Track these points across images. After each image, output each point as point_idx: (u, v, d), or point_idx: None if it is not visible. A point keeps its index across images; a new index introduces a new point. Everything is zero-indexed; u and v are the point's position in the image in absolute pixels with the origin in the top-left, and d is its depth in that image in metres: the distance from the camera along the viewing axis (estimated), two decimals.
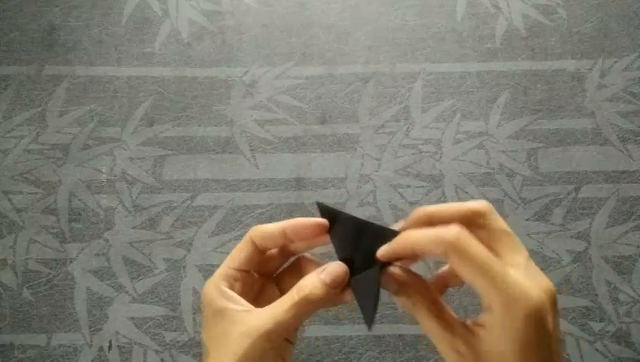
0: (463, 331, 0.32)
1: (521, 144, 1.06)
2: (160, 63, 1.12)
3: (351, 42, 1.14)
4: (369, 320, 0.32)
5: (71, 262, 0.98)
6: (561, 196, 1.02)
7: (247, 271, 0.36)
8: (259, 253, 0.36)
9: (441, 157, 1.05)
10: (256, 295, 0.37)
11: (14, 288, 0.96)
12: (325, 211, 0.36)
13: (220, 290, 0.35)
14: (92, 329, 0.94)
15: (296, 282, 0.35)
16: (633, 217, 1.00)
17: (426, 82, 1.10)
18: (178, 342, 0.93)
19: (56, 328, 0.94)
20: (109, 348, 0.93)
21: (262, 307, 0.35)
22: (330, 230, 0.35)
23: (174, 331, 0.94)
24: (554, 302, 0.29)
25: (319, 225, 0.35)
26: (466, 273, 0.29)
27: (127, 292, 0.96)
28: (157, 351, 0.93)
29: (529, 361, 0.28)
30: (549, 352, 0.28)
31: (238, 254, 0.36)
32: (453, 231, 0.29)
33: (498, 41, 1.14)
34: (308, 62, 1.12)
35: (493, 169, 1.04)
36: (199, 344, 0.93)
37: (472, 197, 1.02)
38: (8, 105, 1.08)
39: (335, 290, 0.34)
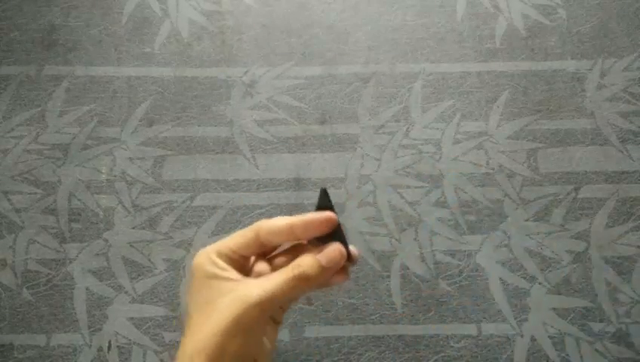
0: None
1: (520, 144, 1.06)
2: (160, 63, 1.12)
3: (351, 42, 1.14)
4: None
5: (70, 262, 0.98)
6: (561, 196, 1.02)
7: (243, 257, 0.37)
8: (260, 244, 0.36)
9: (440, 157, 1.05)
10: (247, 271, 0.37)
11: (14, 288, 0.96)
12: (323, 199, 0.36)
13: (211, 260, 0.35)
14: (91, 329, 0.94)
15: (290, 260, 0.36)
16: (633, 217, 1.00)
17: (426, 82, 1.10)
18: (178, 342, 0.93)
19: (56, 328, 0.94)
20: (109, 348, 0.93)
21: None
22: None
23: (174, 331, 0.94)
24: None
25: (328, 220, 0.35)
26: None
27: (126, 292, 0.96)
28: (156, 352, 0.93)
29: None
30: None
31: (239, 238, 0.36)
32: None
33: (498, 41, 1.14)
34: (308, 62, 1.12)
35: (493, 169, 1.04)
36: None
37: (472, 197, 1.02)
38: (8, 106, 1.08)
39: (330, 272, 0.34)
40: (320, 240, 0.36)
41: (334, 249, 0.35)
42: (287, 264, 0.36)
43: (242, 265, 0.37)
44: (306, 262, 0.34)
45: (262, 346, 0.34)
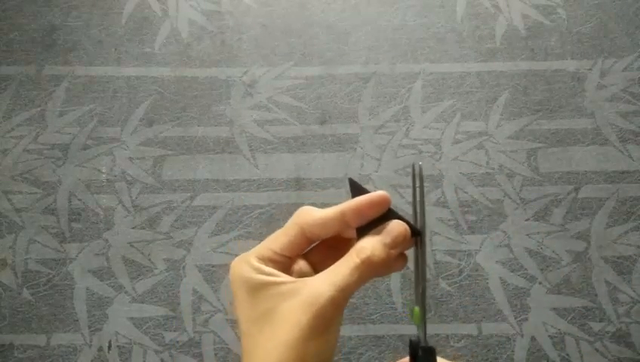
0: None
1: (520, 144, 1.06)
2: (160, 63, 1.12)
3: (351, 42, 1.14)
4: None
5: (71, 262, 0.98)
6: (561, 196, 1.02)
7: (288, 258, 0.32)
8: (306, 240, 0.32)
9: (440, 157, 1.05)
10: (290, 274, 0.33)
11: (14, 288, 0.96)
12: (355, 187, 0.33)
13: (254, 267, 0.31)
14: (92, 329, 0.94)
15: (331, 255, 0.32)
16: (633, 217, 1.00)
17: (425, 82, 1.10)
18: (178, 342, 0.93)
19: (56, 328, 0.94)
20: (109, 348, 0.93)
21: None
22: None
23: (174, 331, 0.94)
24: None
25: (383, 199, 0.32)
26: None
27: (126, 292, 0.96)
28: (157, 351, 0.93)
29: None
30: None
31: (282, 238, 0.32)
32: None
33: (498, 41, 1.14)
34: (308, 62, 1.12)
35: (493, 169, 1.04)
36: (199, 344, 0.93)
37: (472, 197, 1.02)
38: (8, 105, 1.08)
39: (396, 251, 0.31)
40: (361, 231, 0.32)
41: (397, 225, 0.31)
42: (327, 258, 0.33)
43: (286, 268, 0.32)
44: (369, 245, 0.30)
45: (335, 347, 0.31)
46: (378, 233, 0.31)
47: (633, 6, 1.15)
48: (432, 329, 0.94)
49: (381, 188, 1.04)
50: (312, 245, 0.34)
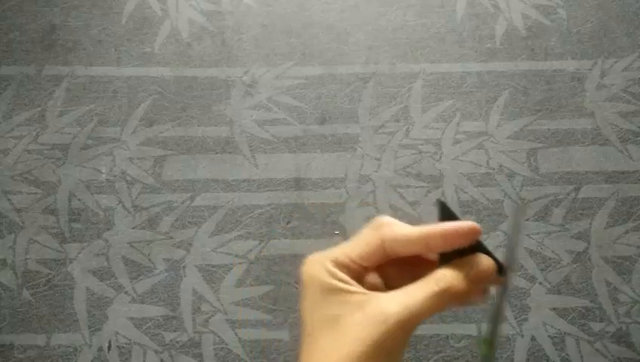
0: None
1: (520, 144, 1.06)
2: (160, 63, 1.12)
3: (351, 42, 1.14)
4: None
5: (71, 262, 0.98)
6: (561, 196, 1.02)
7: (364, 267, 0.31)
8: (384, 254, 0.31)
9: (440, 157, 1.05)
10: (362, 283, 0.32)
11: (14, 288, 0.96)
12: (445, 210, 0.31)
13: (328, 270, 0.30)
14: (92, 329, 0.94)
15: (407, 272, 0.31)
16: (633, 217, 1.00)
17: (426, 82, 1.10)
18: (178, 342, 0.93)
19: (56, 328, 0.94)
20: (109, 348, 0.93)
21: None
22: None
23: (174, 331, 0.94)
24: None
25: (472, 230, 0.30)
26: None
27: (126, 292, 0.96)
28: (156, 351, 0.93)
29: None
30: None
31: (363, 247, 0.31)
32: None
33: (498, 41, 1.14)
34: (308, 62, 1.12)
35: (493, 169, 1.04)
36: (199, 344, 0.93)
37: (472, 197, 1.02)
38: (8, 105, 1.08)
39: (477, 286, 0.30)
40: (445, 257, 0.31)
41: (484, 260, 0.30)
42: (402, 275, 0.31)
43: (360, 277, 0.31)
44: (451, 275, 0.29)
45: None
46: (462, 264, 0.30)
47: (633, 6, 1.15)
48: (432, 329, 0.94)
49: (381, 188, 1.05)
50: (388, 259, 0.33)
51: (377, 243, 0.30)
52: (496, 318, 0.31)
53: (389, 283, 0.32)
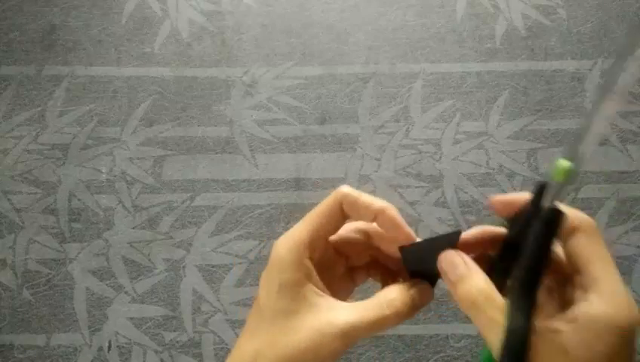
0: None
1: (520, 144, 1.06)
2: (160, 63, 1.12)
3: (351, 42, 1.14)
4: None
5: (70, 262, 0.98)
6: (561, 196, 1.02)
7: (325, 238, 0.34)
8: (343, 219, 0.34)
9: (440, 157, 1.05)
10: (327, 269, 0.34)
11: (14, 288, 0.96)
12: (408, 254, 0.34)
13: (300, 261, 0.32)
14: (91, 329, 0.94)
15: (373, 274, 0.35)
16: (633, 217, 1.00)
17: (426, 82, 1.10)
18: (178, 342, 0.93)
19: (56, 328, 0.94)
20: (109, 348, 0.93)
21: (324, 280, 0.32)
22: (402, 250, 0.34)
23: (174, 331, 0.94)
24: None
25: (408, 236, 0.34)
26: (586, 256, 0.28)
27: (126, 292, 0.96)
28: (156, 351, 0.93)
29: None
30: None
31: (325, 219, 0.33)
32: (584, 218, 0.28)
33: (498, 41, 1.14)
34: (308, 62, 1.12)
35: (493, 169, 1.04)
36: (199, 344, 0.93)
37: (472, 197, 1.02)
38: (8, 105, 1.08)
39: (417, 311, 0.32)
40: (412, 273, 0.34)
41: (428, 288, 0.33)
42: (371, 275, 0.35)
43: (325, 253, 0.34)
44: (400, 300, 0.31)
45: None
46: (411, 290, 0.32)
47: (633, 6, 1.15)
48: (431, 329, 0.94)
49: (381, 188, 1.05)
50: (346, 226, 0.35)
51: (339, 209, 0.33)
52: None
53: (356, 281, 0.36)
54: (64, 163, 1.04)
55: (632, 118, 1.07)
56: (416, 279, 0.33)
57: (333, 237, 0.35)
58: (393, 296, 0.31)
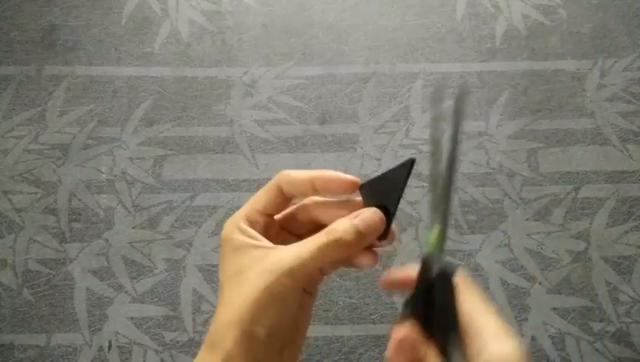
0: None
1: (521, 144, 1.06)
2: (160, 63, 1.12)
3: (351, 42, 1.14)
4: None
5: (71, 262, 0.98)
6: (561, 196, 1.02)
7: (270, 216, 0.35)
8: (284, 198, 0.35)
9: (440, 157, 1.05)
10: (276, 232, 0.36)
11: (14, 288, 0.96)
12: (366, 191, 0.34)
13: (240, 228, 0.33)
14: (92, 329, 0.94)
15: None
16: (633, 217, 1.00)
17: (426, 82, 1.10)
18: (178, 341, 0.93)
19: (56, 328, 0.94)
20: (109, 347, 0.93)
21: None
22: (361, 188, 0.34)
23: (174, 331, 0.94)
24: None
25: (350, 182, 0.34)
26: (470, 306, 0.30)
27: (126, 292, 0.96)
28: (157, 351, 0.93)
29: None
30: None
31: (262, 196, 0.35)
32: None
33: (498, 41, 1.14)
34: (308, 62, 1.12)
35: (493, 169, 1.04)
36: (199, 344, 0.93)
37: (472, 197, 1.02)
38: (8, 105, 1.08)
39: (367, 239, 0.32)
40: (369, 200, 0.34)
41: (373, 213, 0.32)
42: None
43: (269, 228, 0.35)
44: (341, 227, 0.31)
45: (297, 318, 0.33)
46: (354, 218, 0.32)
47: (633, 6, 1.15)
48: None
49: None
50: (292, 206, 0.37)
51: (274, 188, 0.35)
52: (442, 195, 0.32)
53: None
54: (64, 163, 1.04)
55: (632, 118, 1.07)
56: (363, 209, 0.33)
57: (277, 217, 0.36)
58: (334, 225, 0.32)
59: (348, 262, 0.34)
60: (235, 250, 0.33)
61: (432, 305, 0.30)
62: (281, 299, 0.31)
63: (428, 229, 0.32)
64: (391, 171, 0.33)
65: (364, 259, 0.33)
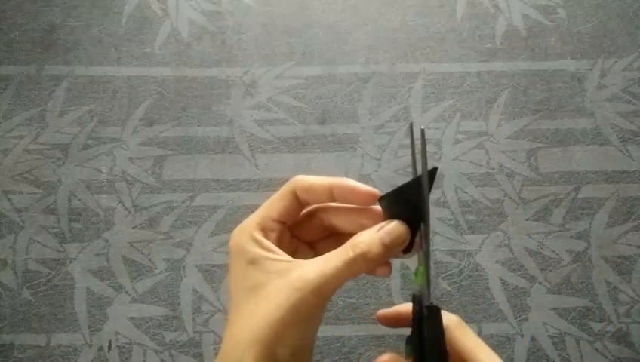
0: None
1: (520, 144, 1.06)
2: (160, 63, 1.12)
3: (351, 42, 1.14)
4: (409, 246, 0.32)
5: (71, 262, 0.98)
6: (561, 196, 1.02)
7: (284, 223, 0.33)
8: (299, 205, 0.33)
9: (440, 157, 1.05)
10: (291, 255, 0.33)
11: (14, 288, 0.96)
12: (386, 203, 0.33)
13: (254, 238, 0.31)
14: (92, 329, 0.94)
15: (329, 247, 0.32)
16: (633, 217, 1.00)
17: (426, 82, 1.10)
18: (178, 342, 0.93)
19: (56, 328, 0.94)
20: (109, 348, 0.93)
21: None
22: (381, 200, 0.33)
23: (174, 331, 0.94)
24: None
25: (370, 194, 0.32)
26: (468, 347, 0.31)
27: (127, 292, 0.96)
28: (157, 351, 0.93)
29: None
30: None
31: (277, 203, 0.33)
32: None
33: (498, 41, 1.14)
34: (308, 62, 1.12)
35: (493, 169, 1.04)
36: (199, 344, 0.93)
37: (472, 197, 1.02)
38: (8, 105, 1.08)
39: (393, 253, 0.30)
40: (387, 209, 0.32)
41: (399, 225, 0.31)
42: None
43: (283, 237, 0.33)
44: (365, 241, 0.30)
45: (315, 335, 0.31)
46: (380, 229, 0.31)
47: (633, 6, 1.16)
48: None
49: (381, 189, 1.04)
50: (306, 211, 0.35)
51: (288, 194, 0.33)
52: (422, 242, 0.32)
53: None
54: (64, 163, 1.04)
55: (632, 117, 1.07)
56: (387, 221, 0.32)
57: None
58: (359, 238, 0.30)
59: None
60: (250, 263, 0.31)
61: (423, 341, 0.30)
62: (308, 318, 0.29)
63: (410, 270, 0.33)
64: (411, 182, 0.33)
65: (380, 270, 0.32)
